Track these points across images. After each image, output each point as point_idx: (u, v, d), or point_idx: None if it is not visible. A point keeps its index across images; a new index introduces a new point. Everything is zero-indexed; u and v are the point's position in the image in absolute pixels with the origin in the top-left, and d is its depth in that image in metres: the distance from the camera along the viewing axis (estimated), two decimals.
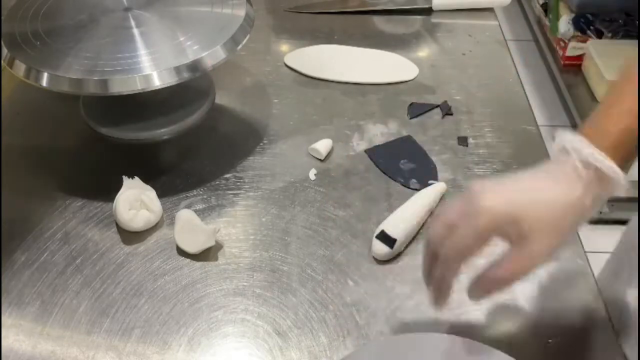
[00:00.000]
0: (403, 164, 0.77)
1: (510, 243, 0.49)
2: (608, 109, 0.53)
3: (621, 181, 0.49)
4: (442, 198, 0.72)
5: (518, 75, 0.93)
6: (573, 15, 2.09)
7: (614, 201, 1.66)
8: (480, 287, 0.51)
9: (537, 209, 0.48)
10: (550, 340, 0.59)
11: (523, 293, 0.63)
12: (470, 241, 0.49)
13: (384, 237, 0.66)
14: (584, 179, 0.49)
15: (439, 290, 0.52)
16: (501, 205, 0.48)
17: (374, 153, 0.79)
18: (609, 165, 0.48)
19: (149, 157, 0.81)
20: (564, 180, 0.49)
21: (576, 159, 0.49)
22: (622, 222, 0.78)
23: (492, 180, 0.51)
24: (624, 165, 0.50)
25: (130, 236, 0.69)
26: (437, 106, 0.86)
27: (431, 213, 0.71)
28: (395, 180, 0.75)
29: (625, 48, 1.98)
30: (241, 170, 0.77)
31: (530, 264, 0.49)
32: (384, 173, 0.76)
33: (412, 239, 0.68)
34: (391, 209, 0.70)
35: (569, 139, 0.50)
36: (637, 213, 0.70)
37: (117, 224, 0.70)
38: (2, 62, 0.74)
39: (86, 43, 0.74)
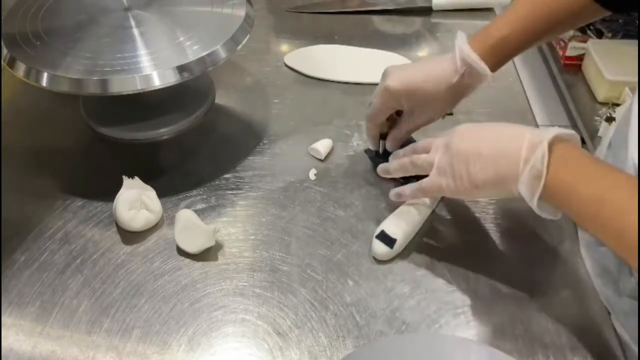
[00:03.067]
0: None
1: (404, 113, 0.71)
2: (500, 16, 0.67)
3: (488, 77, 0.66)
4: (443, 197, 0.72)
5: (518, 75, 0.93)
6: None
7: None
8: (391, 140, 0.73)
9: (424, 89, 0.67)
10: (550, 340, 0.59)
11: (523, 293, 0.63)
12: (377, 111, 0.71)
13: (384, 237, 0.66)
14: (459, 71, 0.65)
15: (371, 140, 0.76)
16: (398, 85, 0.67)
17: (373, 153, 0.79)
18: (480, 65, 0.64)
19: (149, 157, 0.81)
20: (447, 70, 0.66)
21: (457, 55, 0.65)
22: None
23: (398, 65, 0.71)
24: (497, 66, 0.67)
25: (130, 236, 0.69)
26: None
27: (431, 213, 0.71)
28: (394, 180, 0.75)
29: (625, 48, 1.98)
30: (241, 170, 0.77)
31: (414, 127, 0.72)
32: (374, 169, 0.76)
33: (412, 239, 0.68)
34: (391, 209, 0.70)
35: (459, 38, 0.66)
36: None
37: (117, 224, 0.70)
38: (2, 62, 0.74)
39: (86, 43, 0.74)
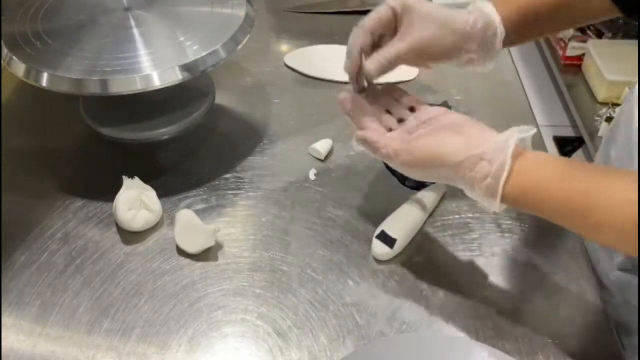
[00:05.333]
0: None
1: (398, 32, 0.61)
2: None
3: (500, 44, 0.62)
4: (443, 197, 0.72)
5: (518, 75, 0.93)
6: None
7: None
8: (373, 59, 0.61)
9: (428, 9, 0.60)
10: (550, 340, 0.59)
11: (523, 293, 0.63)
12: (364, 29, 0.61)
13: (384, 237, 0.66)
14: (473, 23, 0.60)
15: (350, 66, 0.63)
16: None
17: None
18: (498, 22, 0.60)
19: (149, 157, 0.81)
20: (460, 16, 0.61)
21: (478, 9, 0.61)
22: None
23: None
24: (518, 40, 0.63)
25: (130, 236, 0.69)
26: (437, 106, 0.86)
27: (431, 213, 0.71)
28: (393, 175, 0.75)
29: (625, 48, 1.98)
30: (241, 170, 0.77)
31: (406, 48, 0.60)
32: (385, 166, 0.76)
33: (412, 239, 0.68)
34: (391, 209, 0.70)
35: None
36: None
37: (117, 224, 0.70)
38: (2, 62, 0.74)
39: (86, 43, 0.74)
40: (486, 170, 0.52)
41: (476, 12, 0.61)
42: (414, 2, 0.60)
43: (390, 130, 0.60)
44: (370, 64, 0.60)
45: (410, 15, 0.60)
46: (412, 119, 0.60)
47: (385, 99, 0.63)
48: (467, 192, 0.55)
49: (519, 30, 0.63)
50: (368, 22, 0.61)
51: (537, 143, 0.82)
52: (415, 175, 0.58)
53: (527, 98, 0.89)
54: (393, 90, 0.64)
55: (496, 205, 0.52)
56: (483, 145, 0.52)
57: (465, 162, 0.53)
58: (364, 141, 0.59)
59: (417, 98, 0.63)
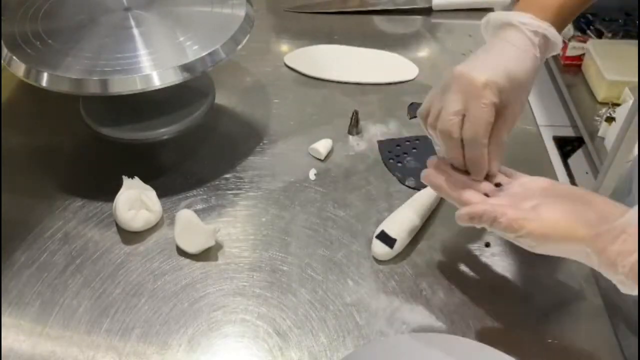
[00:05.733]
0: (407, 161, 0.77)
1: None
2: None
3: (560, 43, 0.60)
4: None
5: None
6: None
7: None
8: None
9: (516, 78, 0.56)
10: (550, 340, 0.59)
11: (523, 292, 0.63)
12: (487, 115, 0.55)
13: (384, 237, 0.66)
14: (537, 45, 0.58)
15: (477, 164, 0.57)
16: (496, 77, 0.55)
17: (383, 145, 0.79)
18: (553, 33, 0.58)
19: (149, 157, 0.81)
20: (525, 48, 0.57)
21: (527, 30, 0.57)
22: None
23: (466, 61, 0.57)
24: (561, 31, 0.60)
25: (130, 236, 0.69)
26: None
27: (431, 213, 0.71)
28: (393, 175, 0.75)
29: (625, 48, 1.98)
30: (241, 170, 0.77)
31: (512, 125, 0.57)
32: (385, 165, 0.76)
33: (412, 239, 0.68)
34: (391, 209, 0.70)
35: (513, 16, 0.58)
36: None
37: (117, 224, 0.70)
38: (2, 62, 0.74)
39: (86, 43, 0.74)
40: (631, 245, 0.46)
41: (541, 42, 0.58)
42: (505, 82, 0.55)
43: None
44: (495, 164, 0.58)
45: (506, 97, 0.56)
46: (514, 185, 0.56)
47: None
48: (603, 270, 0.49)
49: (563, 26, 0.62)
50: (485, 134, 0.55)
51: (537, 143, 0.82)
52: (541, 248, 0.52)
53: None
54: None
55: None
56: (621, 216, 0.47)
57: (606, 235, 0.47)
58: (473, 218, 0.54)
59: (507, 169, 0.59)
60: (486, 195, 0.57)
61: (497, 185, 0.58)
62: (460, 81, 0.55)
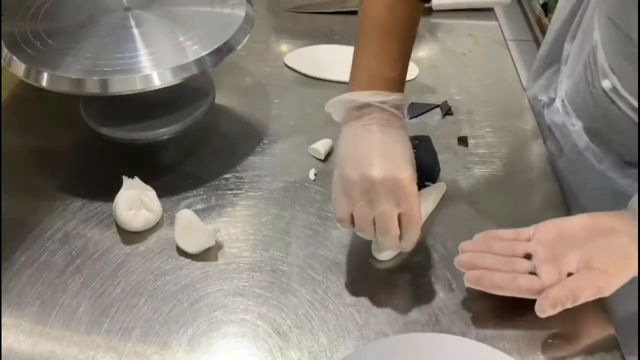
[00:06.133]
0: None
1: None
2: (379, 62, 0.62)
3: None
4: (443, 197, 0.72)
5: (518, 75, 0.93)
6: None
7: None
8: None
9: (410, 153, 0.61)
10: (550, 340, 0.59)
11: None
12: (418, 201, 0.59)
13: None
14: (401, 116, 0.62)
15: (414, 239, 0.61)
16: (408, 166, 0.59)
17: None
18: (405, 100, 0.62)
19: (149, 157, 0.81)
20: (398, 125, 0.61)
21: (390, 108, 0.60)
22: None
23: (366, 161, 0.59)
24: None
25: (130, 236, 0.69)
26: (437, 106, 0.86)
27: (432, 213, 0.71)
28: None
29: None
30: (241, 170, 0.77)
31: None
32: None
33: None
34: None
35: (369, 96, 0.60)
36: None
37: (117, 224, 0.70)
38: (2, 62, 0.74)
39: (86, 43, 0.74)
40: None
41: (403, 111, 0.63)
42: (412, 164, 0.60)
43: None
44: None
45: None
46: (538, 249, 0.59)
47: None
48: None
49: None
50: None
51: (537, 143, 0.82)
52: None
53: (527, 98, 0.89)
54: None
55: None
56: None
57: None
58: (556, 306, 0.56)
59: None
60: (532, 273, 0.59)
61: (527, 256, 0.60)
62: (387, 186, 0.57)
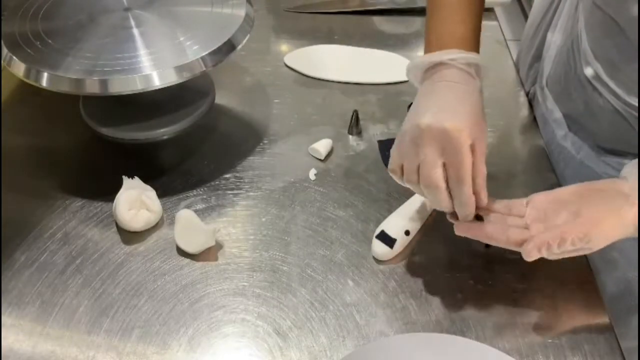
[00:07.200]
0: None
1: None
2: (452, 22, 0.63)
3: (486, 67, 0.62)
4: None
5: (518, 75, 0.93)
6: None
7: None
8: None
9: (474, 113, 0.58)
10: (550, 340, 0.59)
11: (523, 292, 0.63)
12: (468, 159, 0.56)
13: (384, 237, 0.66)
14: (475, 75, 0.60)
15: (466, 205, 0.59)
16: (461, 120, 0.56)
17: (383, 144, 0.79)
18: (480, 59, 0.61)
19: (149, 157, 0.81)
20: (467, 82, 0.59)
21: (461, 65, 0.59)
22: None
23: (422, 112, 0.58)
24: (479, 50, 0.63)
25: (130, 236, 0.69)
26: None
27: (431, 213, 0.71)
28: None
29: None
30: (241, 170, 0.77)
31: (484, 155, 0.58)
32: (385, 165, 0.76)
33: (412, 239, 0.68)
34: (391, 209, 0.70)
35: (441, 55, 0.60)
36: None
37: (117, 224, 0.70)
38: (2, 62, 0.74)
39: (86, 43, 0.74)
40: None
41: (476, 71, 0.61)
42: (469, 122, 0.57)
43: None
44: (484, 197, 0.59)
45: (473, 134, 0.57)
46: (531, 212, 0.59)
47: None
48: None
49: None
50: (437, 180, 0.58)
51: (537, 143, 0.82)
52: (597, 246, 0.56)
53: (527, 98, 0.89)
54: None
55: None
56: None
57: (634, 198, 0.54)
58: (540, 249, 0.55)
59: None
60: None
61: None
62: (432, 134, 0.56)
